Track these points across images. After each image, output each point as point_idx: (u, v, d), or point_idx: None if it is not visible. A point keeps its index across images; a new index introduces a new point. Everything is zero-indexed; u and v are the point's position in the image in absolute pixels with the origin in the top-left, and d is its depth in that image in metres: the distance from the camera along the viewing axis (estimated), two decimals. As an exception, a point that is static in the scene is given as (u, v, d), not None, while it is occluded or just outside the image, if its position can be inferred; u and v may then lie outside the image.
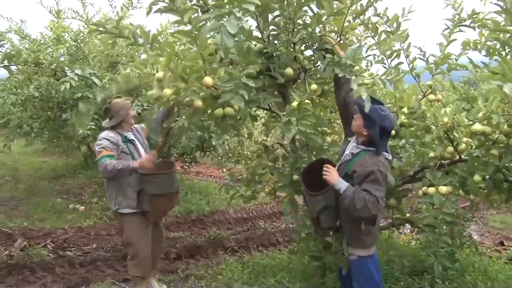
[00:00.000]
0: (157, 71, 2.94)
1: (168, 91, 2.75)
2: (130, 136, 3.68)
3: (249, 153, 6.88)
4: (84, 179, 9.22)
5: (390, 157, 2.83)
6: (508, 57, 3.07)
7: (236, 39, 2.54)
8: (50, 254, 5.13)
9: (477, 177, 3.09)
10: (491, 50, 3.33)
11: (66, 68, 3.87)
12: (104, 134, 3.52)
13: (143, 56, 8.60)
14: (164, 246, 4.03)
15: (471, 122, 3.06)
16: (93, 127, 6.63)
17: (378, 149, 2.72)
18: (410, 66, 3.68)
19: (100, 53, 7.12)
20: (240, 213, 7.31)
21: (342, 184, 2.70)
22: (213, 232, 6.06)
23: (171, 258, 4.98)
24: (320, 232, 3.02)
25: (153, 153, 3.45)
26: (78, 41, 6.99)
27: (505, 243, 6.08)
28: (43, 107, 7.54)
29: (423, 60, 3.73)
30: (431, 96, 3.71)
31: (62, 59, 7.04)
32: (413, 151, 3.49)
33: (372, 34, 3.56)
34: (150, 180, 3.49)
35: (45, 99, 7.07)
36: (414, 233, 5.29)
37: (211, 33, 2.22)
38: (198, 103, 2.75)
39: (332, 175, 2.76)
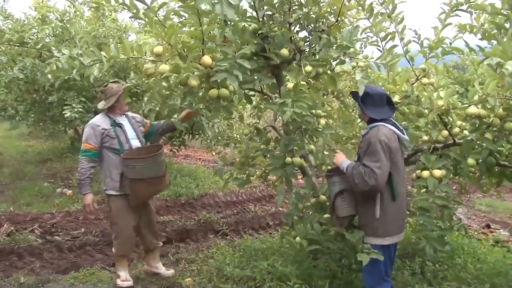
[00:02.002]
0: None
1: (165, 67, 2.68)
2: (120, 120, 3.69)
3: (238, 136, 6.83)
4: (71, 162, 9.09)
5: (397, 130, 2.80)
6: (505, 39, 3.05)
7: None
8: (37, 239, 5.07)
9: (471, 160, 3.11)
10: (487, 34, 3.31)
11: (53, 48, 3.74)
12: (93, 119, 3.70)
13: (132, 38, 8.46)
14: (155, 229, 3.99)
15: (466, 105, 3.04)
16: (81, 109, 6.52)
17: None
18: (404, 49, 3.64)
19: (87, 34, 6.96)
20: (229, 197, 7.29)
21: (345, 163, 2.77)
22: (202, 215, 6.03)
23: (161, 242, 4.94)
24: (336, 222, 2.93)
25: (90, 210, 3.68)
26: (64, 21, 6.79)
27: (491, 226, 6.17)
28: (29, 90, 7.38)
29: (418, 43, 3.69)
30: (424, 80, 3.68)
31: (47, 40, 6.85)
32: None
33: (367, 15, 3.51)
34: (129, 164, 3.50)
35: (31, 81, 6.91)
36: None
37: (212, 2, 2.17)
38: (194, 82, 2.69)
39: (337, 156, 2.85)
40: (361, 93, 2.74)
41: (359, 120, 4.11)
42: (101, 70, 3.30)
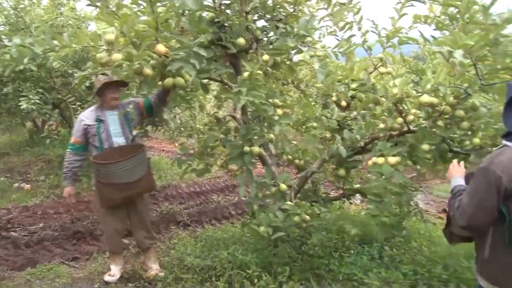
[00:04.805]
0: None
1: (118, 56, 2.63)
2: (103, 115, 3.56)
3: (201, 127, 6.79)
4: (30, 156, 8.81)
5: None
6: (456, 30, 3.14)
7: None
8: (-8, 236, 4.89)
9: (425, 146, 3.18)
10: (440, 24, 3.40)
11: (3, 37, 3.59)
12: (83, 112, 3.75)
13: (92, 27, 8.23)
14: (147, 228, 3.84)
15: (419, 94, 3.12)
16: (38, 101, 6.30)
17: (504, 116, 2.05)
18: (362, 38, 3.70)
19: (43, 23, 6.72)
20: (192, 187, 7.25)
21: (454, 182, 2.20)
22: (165, 207, 5.98)
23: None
24: (447, 236, 2.43)
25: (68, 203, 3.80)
26: (19, 9, 6.52)
27: (447, 210, 6.41)
28: (-19, 80, 7.06)
29: (375, 33, 3.76)
30: (382, 69, 3.76)
31: (1, 28, 6.59)
32: (363, 122, 3.54)
33: (326, 5, 3.54)
34: (96, 167, 3.45)
35: (-17, 72, 6.61)
36: (364, 203, 5.44)
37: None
38: (148, 71, 2.65)
39: (451, 170, 2.29)
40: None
41: (320, 109, 4.14)
42: (57, 60, 3.18)
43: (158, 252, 4.13)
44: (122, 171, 3.38)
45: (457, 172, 2.24)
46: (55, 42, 2.77)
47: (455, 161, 2.32)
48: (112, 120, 3.55)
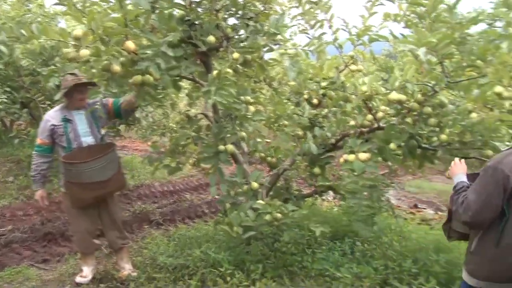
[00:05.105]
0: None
1: (86, 52, 2.59)
2: (70, 115, 3.47)
3: (174, 125, 6.75)
4: (-3, 156, 8.56)
5: None
6: (424, 29, 3.21)
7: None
8: (-44, 240, 4.73)
9: (392, 145, 3.24)
10: (409, 23, 3.47)
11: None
12: (48, 112, 3.61)
13: (62, 25, 8.04)
14: (119, 228, 3.78)
15: (388, 91, 3.17)
16: (5, 100, 6.14)
17: None
18: (333, 36, 3.73)
19: (10, 20, 6.53)
20: (166, 186, 7.19)
21: (457, 179, 2.26)
22: (138, 206, 5.91)
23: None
24: (446, 232, 2.47)
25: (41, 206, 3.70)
26: (-18, 5, 6.33)
27: (418, 206, 6.56)
28: None
29: (346, 31, 3.79)
30: (353, 67, 3.80)
31: (-36, 25, 6.36)
32: (334, 120, 3.57)
33: (297, 4, 3.55)
34: (65, 167, 3.38)
35: None
36: (336, 199, 5.50)
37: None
38: (116, 67, 2.61)
39: (453, 167, 2.35)
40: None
41: (292, 107, 4.16)
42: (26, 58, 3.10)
43: (130, 252, 4.08)
44: (93, 171, 3.33)
45: (459, 170, 2.31)
46: (22, 31, 2.70)
47: (456, 159, 2.38)
48: (80, 119, 3.48)
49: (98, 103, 3.40)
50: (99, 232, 3.88)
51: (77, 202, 3.48)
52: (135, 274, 3.67)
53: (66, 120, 3.44)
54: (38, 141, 3.49)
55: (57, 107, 3.58)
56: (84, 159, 3.31)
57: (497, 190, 1.99)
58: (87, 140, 3.48)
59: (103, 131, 3.59)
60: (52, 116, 3.47)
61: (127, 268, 3.74)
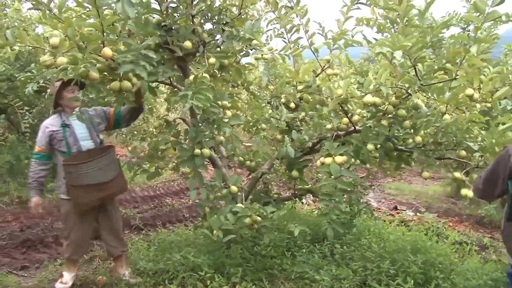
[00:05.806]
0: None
1: (63, 60, 2.58)
2: (69, 120, 3.47)
3: (154, 130, 6.72)
4: (-24, 164, 8.40)
5: None
6: (396, 33, 3.27)
7: (135, 10, 2.46)
8: None
9: (370, 146, 3.29)
10: (381, 27, 3.54)
11: None
12: (46, 120, 3.56)
13: (39, 30, 7.96)
14: (118, 235, 3.76)
15: (363, 94, 3.23)
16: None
17: None
18: (309, 41, 3.78)
19: (-15, 25, 6.45)
20: (146, 191, 7.18)
21: None
22: (118, 211, 5.86)
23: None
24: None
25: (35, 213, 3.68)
26: (-43, 10, 6.23)
27: (398, 207, 6.64)
28: None
29: (322, 35, 3.85)
30: (329, 71, 3.85)
31: None
32: (311, 123, 3.61)
33: (273, 9, 3.59)
34: (66, 170, 3.36)
35: None
36: (316, 202, 5.55)
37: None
38: (94, 74, 2.61)
39: None
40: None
41: (270, 111, 4.20)
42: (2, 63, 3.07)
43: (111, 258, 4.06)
44: (95, 171, 3.33)
45: None
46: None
47: None
48: (78, 124, 3.46)
49: (98, 112, 3.56)
50: (94, 235, 3.87)
51: (80, 207, 3.46)
52: (134, 280, 3.64)
53: (65, 125, 3.45)
54: (37, 148, 3.50)
55: (53, 116, 3.57)
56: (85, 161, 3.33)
57: (501, 175, 2.25)
58: (86, 144, 3.49)
59: (101, 136, 3.63)
60: (50, 123, 3.47)
61: (127, 275, 3.72)
